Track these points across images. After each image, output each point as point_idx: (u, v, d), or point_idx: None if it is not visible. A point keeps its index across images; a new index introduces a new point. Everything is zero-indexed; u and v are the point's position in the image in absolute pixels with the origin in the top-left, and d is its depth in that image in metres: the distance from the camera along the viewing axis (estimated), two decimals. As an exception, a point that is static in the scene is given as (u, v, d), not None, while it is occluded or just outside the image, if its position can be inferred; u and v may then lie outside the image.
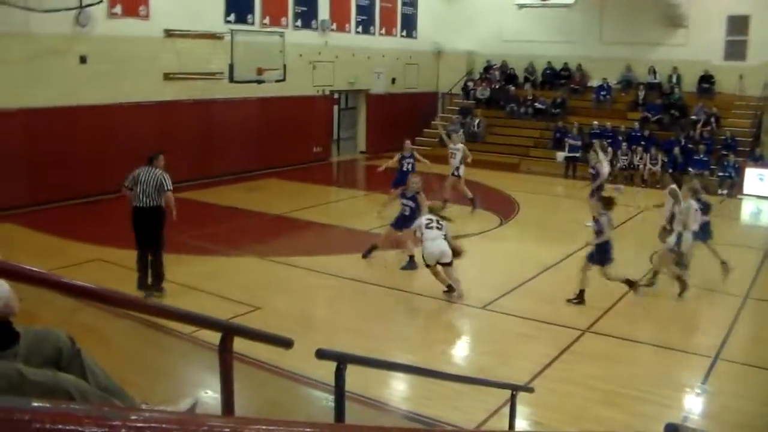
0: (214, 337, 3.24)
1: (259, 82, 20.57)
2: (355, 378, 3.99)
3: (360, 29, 26.36)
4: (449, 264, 11.18)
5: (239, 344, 3.32)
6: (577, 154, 24.06)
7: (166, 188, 10.57)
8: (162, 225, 10.72)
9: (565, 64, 28.56)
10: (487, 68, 30.11)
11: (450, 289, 11.39)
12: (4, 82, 15.69)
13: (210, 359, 5.97)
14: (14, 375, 3.40)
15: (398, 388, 8.11)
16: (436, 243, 11.08)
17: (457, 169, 17.85)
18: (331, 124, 26.46)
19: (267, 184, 19.55)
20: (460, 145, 18.05)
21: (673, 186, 13.07)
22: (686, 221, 11.81)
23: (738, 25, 25.38)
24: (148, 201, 10.54)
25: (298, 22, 23.41)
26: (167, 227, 10.82)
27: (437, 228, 11.20)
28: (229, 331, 3.15)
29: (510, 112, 28.05)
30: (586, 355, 9.27)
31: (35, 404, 1.25)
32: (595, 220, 11.56)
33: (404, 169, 16.67)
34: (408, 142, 17.30)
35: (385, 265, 13.13)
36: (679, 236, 11.83)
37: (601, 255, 11.35)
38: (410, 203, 13.13)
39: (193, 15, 19.69)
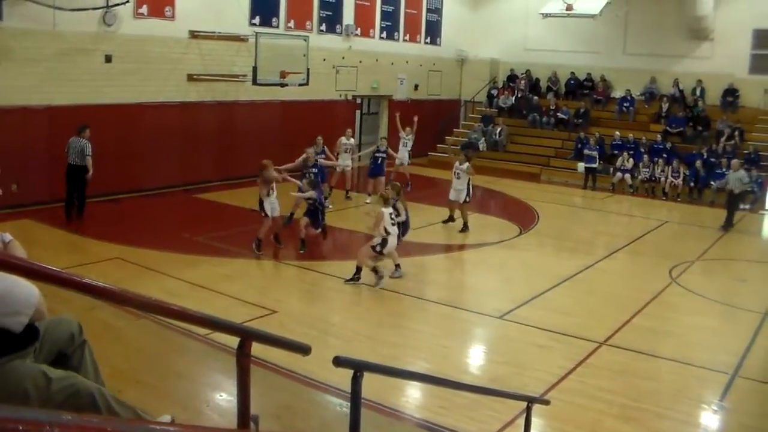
0: (230, 339, 3.24)
1: (283, 85, 20.62)
2: (371, 384, 3.97)
3: (384, 35, 26.41)
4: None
5: (255, 347, 3.32)
6: (595, 165, 23.96)
7: (86, 154, 15.05)
8: (84, 179, 15.19)
9: (589, 74, 28.46)
10: (512, 77, 30.06)
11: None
12: (30, 80, 15.83)
13: (225, 361, 5.98)
14: (40, 378, 3.42)
15: (413, 396, 8.08)
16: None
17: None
18: (353, 130, 26.46)
19: (287, 188, 19.52)
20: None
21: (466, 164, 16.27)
22: (382, 227, 12.24)
23: (764, 39, 25.21)
24: (76, 161, 15.12)
25: (323, 27, 23.48)
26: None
27: None
28: (248, 336, 3.14)
29: (532, 121, 27.96)
30: (602, 368, 9.20)
31: (65, 417, 1.24)
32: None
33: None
34: (320, 138, 18.14)
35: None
36: (384, 241, 12.21)
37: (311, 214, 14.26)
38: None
39: (218, 17, 19.80)
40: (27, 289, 3.34)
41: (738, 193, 18.53)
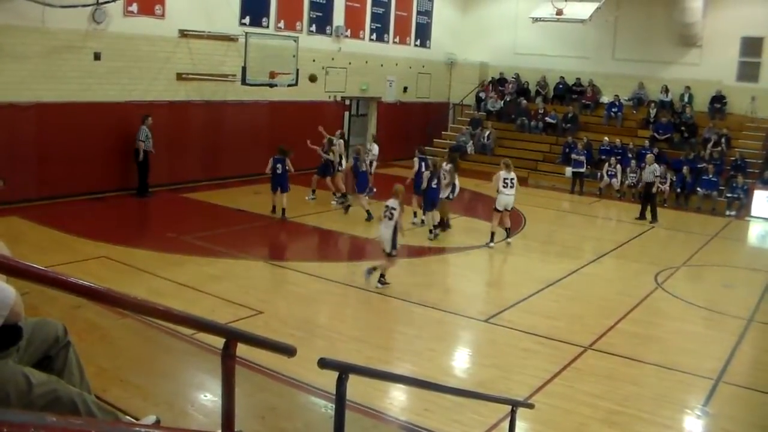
0: (215, 339, 3.23)
1: (272, 85, 20.60)
2: (356, 387, 3.98)
3: (374, 37, 26.40)
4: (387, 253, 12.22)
5: (240, 347, 3.31)
6: (582, 170, 24.03)
7: (139, 139, 17.49)
8: (137, 158, 17.75)
9: (578, 79, 28.53)
10: (501, 80, 30.09)
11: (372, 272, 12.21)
12: (18, 76, 15.75)
13: (210, 361, 5.96)
14: (22, 382, 3.39)
15: (398, 399, 8.08)
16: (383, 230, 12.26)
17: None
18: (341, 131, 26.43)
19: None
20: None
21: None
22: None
23: (752, 46, 25.38)
24: (136, 144, 17.66)
25: (313, 27, 23.46)
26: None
27: (388, 217, 12.14)
28: (233, 337, 3.13)
29: (520, 125, 28.02)
30: (587, 372, 9.23)
31: (50, 419, 1.24)
32: None
33: (362, 170, 17.88)
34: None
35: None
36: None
37: None
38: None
39: (208, 16, 19.75)
40: (1, 290, 3.28)
41: (650, 185, 19.93)
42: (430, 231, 15.98)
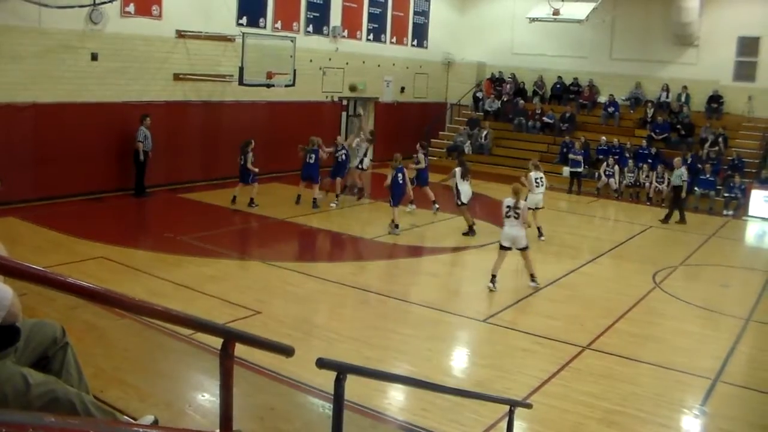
0: (213, 339, 3.23)
1: (269, 86, 20.58)
2: (355, 387, 3.98)
3: (371, 37, 26.39)
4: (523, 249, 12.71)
5: (238, 348, 3.31)
6: (580, 169, 24.02)
7: (138, 140, 17.57)
8: (137, 158, 17.74)
9: (575, 78, 28.54)
10: (498, 80, 30.09)
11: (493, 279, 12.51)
12: (14, 77, 15.73)
13: (208, 361, 5.96)
14: (20, 382, 3.38)
15: (396, 399, 8.08)
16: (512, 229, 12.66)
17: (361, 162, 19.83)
18: (338, 131, 26.41)
19: (272, 189, 19.54)
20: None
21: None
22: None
23: (749, 46, 25.40)
24: (135, 144, 17.66)
25: (310, 28, 23.45)
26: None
27: (515, 217, 12.58)
28: (231, 337, 3.13)
29: (518, 125, 28.02)
30: (585, 372, 9.23)
31: (48, 419, 1.23)
32: None
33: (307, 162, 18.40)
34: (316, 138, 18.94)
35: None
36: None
37: None
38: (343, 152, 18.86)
39: (205, 16, 19.74)
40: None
41: (676, 188, 20.01)
42: (396, 226, 16.11)
